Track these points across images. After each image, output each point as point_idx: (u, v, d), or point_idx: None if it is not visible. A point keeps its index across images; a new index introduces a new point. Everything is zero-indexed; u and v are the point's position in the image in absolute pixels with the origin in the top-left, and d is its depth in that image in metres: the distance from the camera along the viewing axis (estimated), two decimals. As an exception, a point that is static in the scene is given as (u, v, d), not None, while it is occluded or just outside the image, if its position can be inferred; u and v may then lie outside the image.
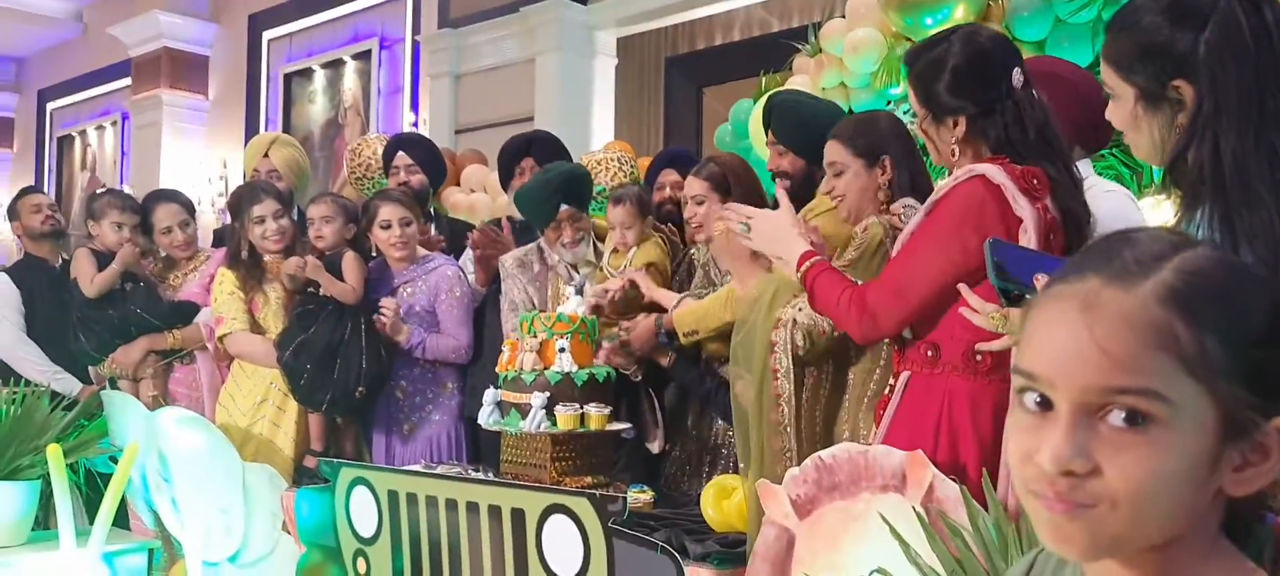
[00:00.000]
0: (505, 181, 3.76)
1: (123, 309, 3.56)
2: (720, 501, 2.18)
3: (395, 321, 3.20)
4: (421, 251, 3.40)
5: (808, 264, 1.97)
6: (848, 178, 2.29)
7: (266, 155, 3.95)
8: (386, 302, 3.21)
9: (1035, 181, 1.80)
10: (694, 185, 2.77)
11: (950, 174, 1.92)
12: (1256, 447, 0.77)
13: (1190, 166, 1.41)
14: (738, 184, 2.74)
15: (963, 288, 1.63)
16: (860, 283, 1.93)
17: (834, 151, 2.31)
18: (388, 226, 3.28)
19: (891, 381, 1.97)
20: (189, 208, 3.79)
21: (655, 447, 2.86)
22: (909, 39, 3.83)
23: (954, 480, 1.67)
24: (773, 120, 2.77)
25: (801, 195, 2.52)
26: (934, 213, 1.85)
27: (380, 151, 4.36)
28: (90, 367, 3.79)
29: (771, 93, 2.91)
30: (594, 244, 3.15)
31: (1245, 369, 0.75)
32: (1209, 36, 1.39)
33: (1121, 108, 1.51)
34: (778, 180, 2.73)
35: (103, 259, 3.59)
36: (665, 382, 2.89)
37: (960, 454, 1.79)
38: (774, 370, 2.08)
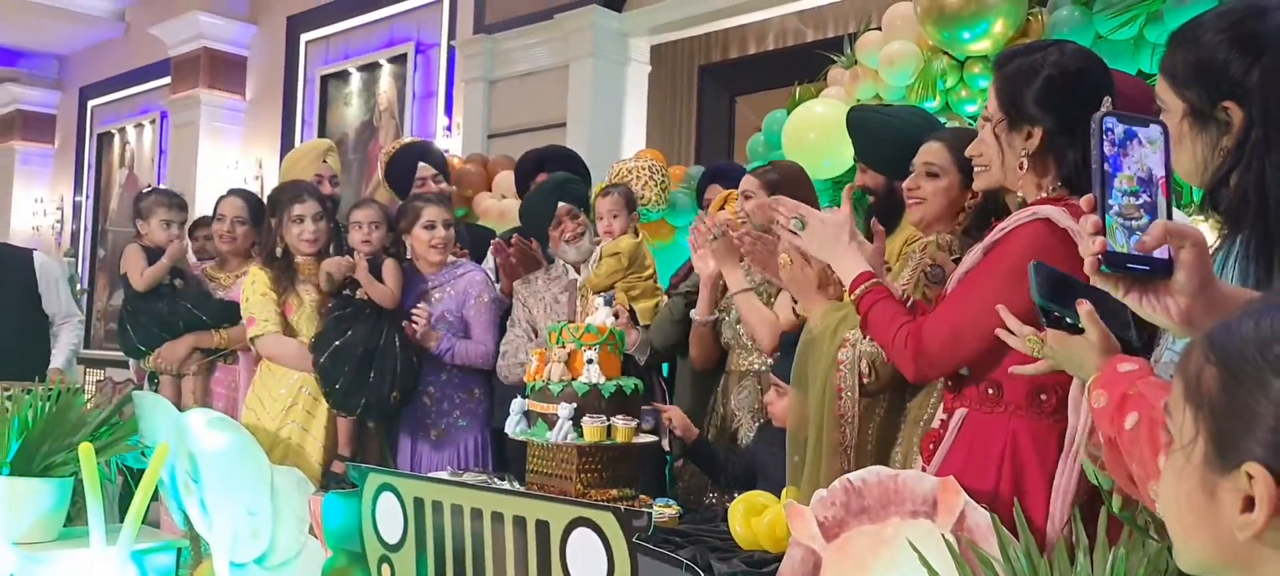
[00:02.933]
0: (522, 194, 3.85)
1: (173, 303, 3.61)
2: (749, 518, 2.16)
3: (426, 329, 3.22)
4: (451, 257, 3.42)
5: (862, 287, 1.91)
6: (941, 184, 2.22)
7: (325, 161, 3.99)
8: (419, 310, 3.23)
9: None
10: (748, 182, 2.80)
11: (1009, 195, 1.87)
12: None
13: (1233, 191, 1.39)
14: (788, 188, 2.69)
15: (1001, 309, 1.59)
16: (916, 315, 1.88)
17: (935, 153, 2.23)
18: (432, 227, 3.31)
19: (942, 415, 1.92)
20: (253, 207, 3.81)
21: (666, 444, 2.93)
22: (946, 52, 3.80)
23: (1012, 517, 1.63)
24: (854, 139, 2.71)
25: (883, 212, 2.44)
26: (993, 254, 1.80)
27: (413, 157, 4.40)
28: (133, 361, 3.85)
29: (851, 108, 2.87)
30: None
31: None
32: (1267, 62, 1.37)
33: (1169, 122, 1.49)
34: (846, 189, 2.65)
35: (152, 254, 3.64)
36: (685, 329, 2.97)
37: (1026, 491, 1.74)
38: (839, 389, 2.05)
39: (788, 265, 2.21)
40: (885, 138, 2.63)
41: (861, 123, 2.72)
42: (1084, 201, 1.22)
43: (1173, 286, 1.18)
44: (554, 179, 3.38)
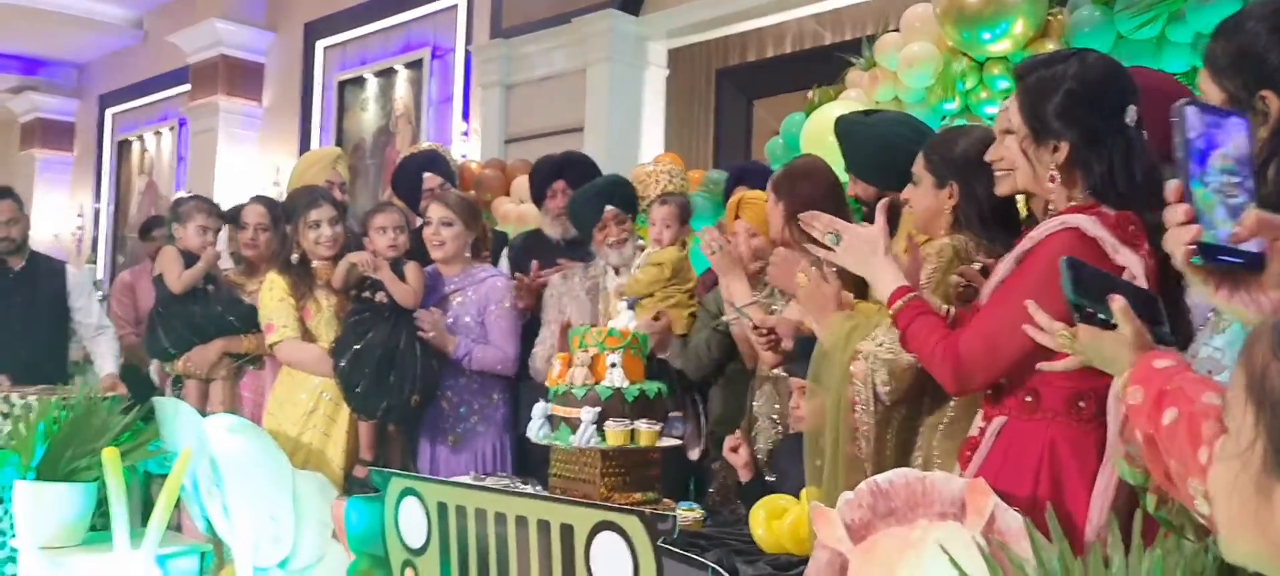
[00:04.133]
0: (538, 201, 3.87)
1: (206, 307, 3.64)
2: (771, 521, 2.15)
3: (441, 332, 3.22)
4: (475, 265, 3.42)
5: (900, 302, 1.90)
6: (919, 191, 2.23)
7: (335, 168, 4.01)
8: (423, 314, 3.23)
9: (1132, 227, 1.72)
10: (769, 186, 2.78)
11: (1040, 205, 1.85)
12: None
13: (1270, 181, 1.37)
14: (789, 188, 2.65)
15: (1031, 304, 1.58)
16: (952, 328, 1.86)
17: (916, 161, 2.24)
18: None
19: (980, 423, 1.90)
20: (276, 214, 3.83)
21: (694, 455, 2.95)
22: (965, 54, 3.78)
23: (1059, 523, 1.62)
24: (840, 147, 2.70)
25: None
26: (1026, 264, 1.78)
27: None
28: (159, 364, 3.86)
29: (838, 117, 2.85)
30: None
31: None
32: None
33: None
34: (882, 203, 2.62)
35: (187, 259, 3.67)
36: (707, 389, 2.97)
37: (1066, 499, 1.73)
38: (852, 402, 2.04)
39: (804, 284, 2.20)
40: (870, 147, 2.62)
41: (847, 132, 2.71)
42: (1171, 191, 1.17)
43: (1265, 281, 1.13)
44: (605, 181, 3.41)
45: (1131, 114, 1.77)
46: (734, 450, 2.56)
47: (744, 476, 2.56)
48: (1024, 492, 1.73)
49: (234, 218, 3.84)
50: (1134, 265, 1.68)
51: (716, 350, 2.92)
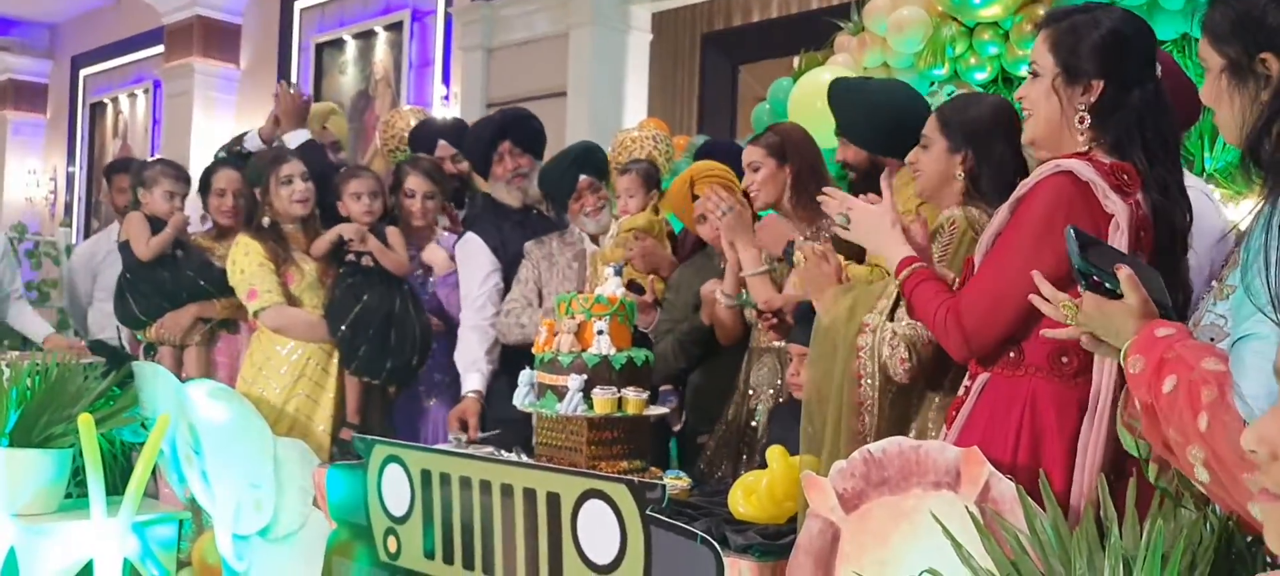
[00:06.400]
0: (484, 167, 3.50)
1: (176, 272, 3.56)
2: (749, 497, 2.14)
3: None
4: (442, 233, 3.44)
5: (907, 270, 1.92)
6: (930, 155, 2.21)
7: (325, 127, 3.92)
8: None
9: (1125, 176, 1.73)
10: (751, 152, 2.73)
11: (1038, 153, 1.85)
12: None
13: (1274, 143, 1.36)
14: (796, 152, 2.68)
15: (1036, 275, 1.58)
16: (957, 292, 1.86)
17: (929, 124, 2.23)
18: (412, 195, 3.38)
19: (966, 382, 1.90)
20: (247, 178, 3.76)
21: (676, 426, 2.96)
22: (955, 18, 3.74)
23: (1032, 484, 1.61)
24: (833, 109, 2.69)
25: (866, 189, 2.43)
26: (1019, 214, 1.79)
27: (412, 124, 4.32)
28: (125, 332, 3.79)
29: (833, 79, 2.83)
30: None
31: None
32: None
33: (1210, 81, 1.46)
34: (886, 175, 2.59)
35: (155, 224, 3.58)
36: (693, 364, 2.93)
37: (1044, 456, 1.74)
38: (858, 376, 2.01)
39: (802, 263, 2.18)
40: (866, 110, 2.62)
41: (844, 94, 2.70)
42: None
43: None
44: (576, 148, 3.32)
45: (1158, 68, 1.80)
46: None
47: None
48: (1006, 449, 1.74)
49: (205, 183, 3.74)
50: (1121, 213, 1.69)
51: (681, 357, 2.90)
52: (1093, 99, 1.78)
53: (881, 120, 2.54)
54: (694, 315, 2.85)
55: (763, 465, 2.18)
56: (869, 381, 2.00)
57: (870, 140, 2.60)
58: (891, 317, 2.00)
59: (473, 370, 3.21)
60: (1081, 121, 1.79)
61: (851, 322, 2.02)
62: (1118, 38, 1.78)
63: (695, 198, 2.84)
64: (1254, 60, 1.40)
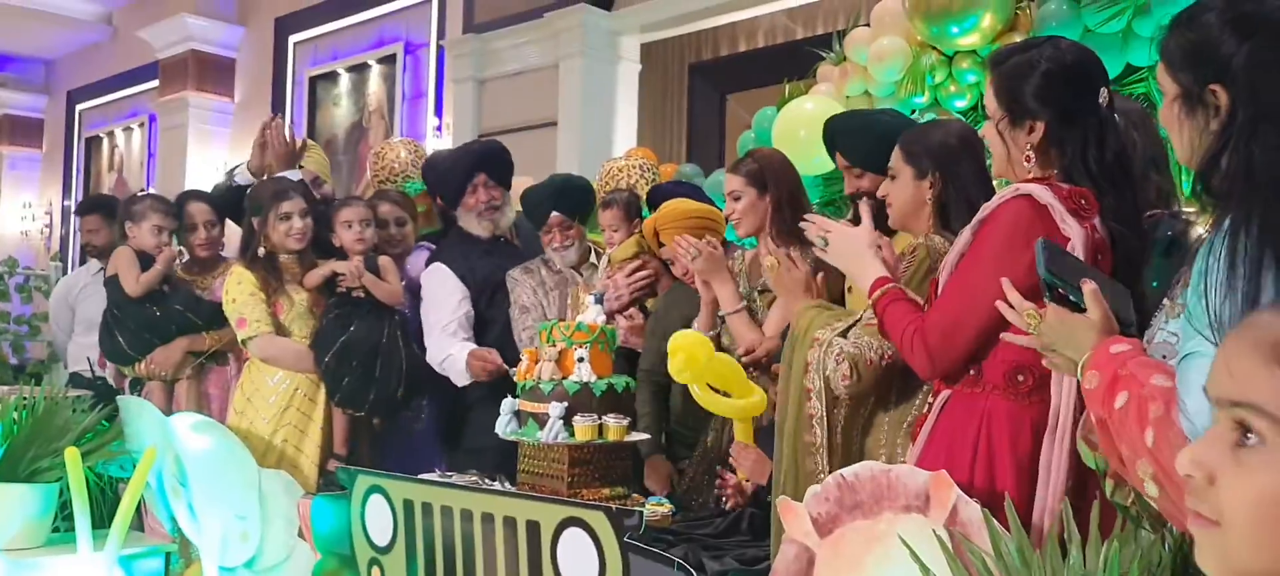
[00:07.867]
0: (456, 198, 3.47)
1: (164, 307, 3.56)
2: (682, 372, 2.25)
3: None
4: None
5: (879, 291, 1.95)
6: (898, 185, 2.25)
7: (302, 166, 3.94)
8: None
9: (1083, 201, 1.76)
10: (731, 181, 2.75)
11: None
12: None
13: (1224, 172, 1.38)
14: (775, 180, 2.70)
15: (1005, 282, 1.61)
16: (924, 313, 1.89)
17: (893, 155, 2.27)
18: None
19: (929, 399, 1.93)
20: (218, 209, 3.78)
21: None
22: (934, 48, 3.78)
23: (987, 503, 1.63)
24: (840, 144, 2.70)
25: (884, 212, 2.46)
26: (980, 235, 1.82)
27: (403, 155, 4.35)
28: (112, 368, 3.79)
29: (830, 116, 2.86)
30: (593, 250, 3.36)
31: None
32: (1253, 45, 1.36)
33: (1166, 106, 1.50)
34: (863, 201, 2.50)
35: (144, 260, 3.59)
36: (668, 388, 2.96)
37: (996, 476, 1.76)
38: (807, 390, 2.04)
39: (774, 268, 2.22)
40: (869, 135, 2.63)
41: (847, 127, 2.72)
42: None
43: None
44: (556, 182, 3.38)
45: (1103, 95, 1.83)
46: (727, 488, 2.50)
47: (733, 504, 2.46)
48: (964, 468, 1.76)
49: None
50: (1077, 237, 1.73)
51: (659, 418, 2.92)
52: (1037, 138, 1.83)
53: (886, 142, 2.53)
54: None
55: None
56: (816, 394, 2.03)
57: (879, 162, 2.60)
58: (845, 335, 2.03)
59: (455, 345, 3.26)
60: (1027, 160, 1.84)
61: (806, 338, 2.06)
62: (1055, 76, 1.82)
63: (661, 244, 2.88)
64: (1204, 90, 1.42)
